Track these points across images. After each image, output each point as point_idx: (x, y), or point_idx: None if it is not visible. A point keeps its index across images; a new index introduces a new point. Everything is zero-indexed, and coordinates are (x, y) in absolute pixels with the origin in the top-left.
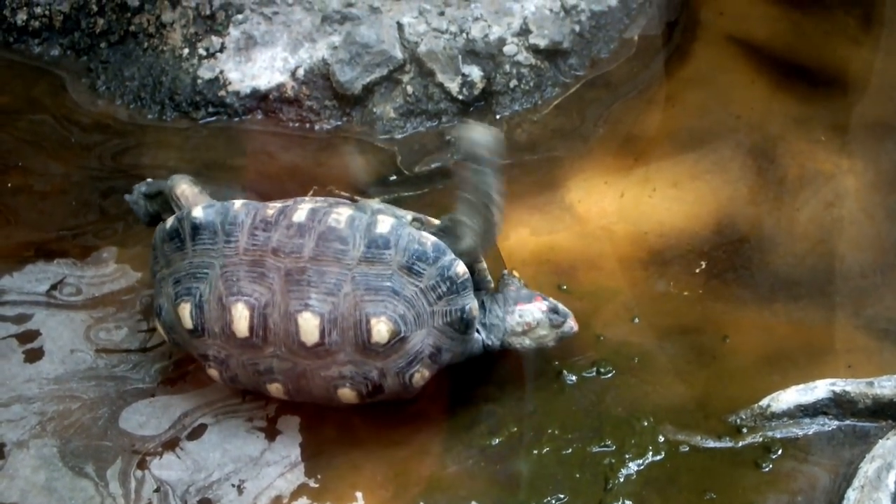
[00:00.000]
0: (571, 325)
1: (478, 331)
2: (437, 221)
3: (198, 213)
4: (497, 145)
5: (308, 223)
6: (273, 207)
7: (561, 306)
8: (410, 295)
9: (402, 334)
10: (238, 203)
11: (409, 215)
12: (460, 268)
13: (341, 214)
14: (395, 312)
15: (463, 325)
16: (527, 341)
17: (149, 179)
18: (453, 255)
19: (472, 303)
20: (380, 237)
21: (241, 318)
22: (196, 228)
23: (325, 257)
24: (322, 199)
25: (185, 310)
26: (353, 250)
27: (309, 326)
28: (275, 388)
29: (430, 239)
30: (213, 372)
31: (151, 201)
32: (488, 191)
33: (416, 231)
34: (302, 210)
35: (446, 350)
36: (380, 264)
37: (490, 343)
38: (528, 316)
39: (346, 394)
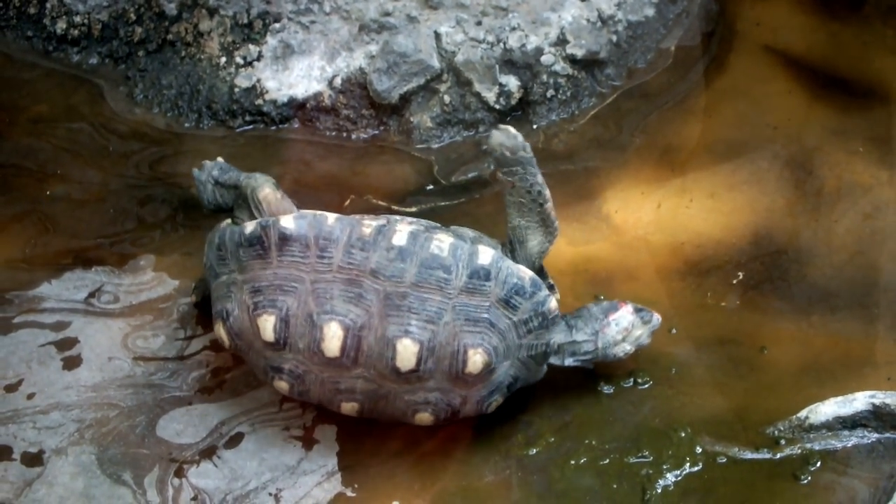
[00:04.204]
0: (657, 316)
1: (558, 355)
2: (492, 240)
3: (288, 223)
4: (522, 142)
5: (409, 247)
6: (369, 226)
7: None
8: (504, 327)
9: (493, 366)
10: (332, 217)
11: (469, 232)
12: (553, 303)
13: (443, 242)
14: (490, 344)
15: (545, 358)
16: (627, 347)
17: (220, 160)
18: (547, 291)
19: (555, 337)
20: (482, 269)
21: (333, 338)
22: (285, 239)
23: (428, 284)
24: (415, 220)
25: (269, 322)
26: (456, 280)
27: (407, 353)
28: (349, 407)
29: (528, 273)
30: (282, 385)
31: (223, 190)
32: (531, 187)
33: (514, 264)
34: (401, 233)
35: (521, 380)
36: (479, 295)
37: (579, 363)
38: (623, 322)
39: (424, 418)
